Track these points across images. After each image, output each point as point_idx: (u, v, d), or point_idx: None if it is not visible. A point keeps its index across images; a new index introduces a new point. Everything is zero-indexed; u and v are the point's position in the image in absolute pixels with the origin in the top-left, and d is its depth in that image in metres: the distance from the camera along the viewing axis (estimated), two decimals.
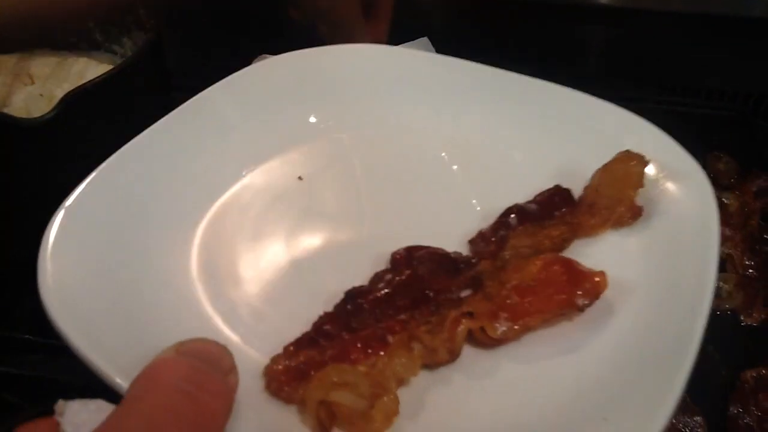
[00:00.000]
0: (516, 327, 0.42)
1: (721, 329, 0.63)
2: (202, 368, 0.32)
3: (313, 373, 0.39)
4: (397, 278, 0.45)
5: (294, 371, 0.39)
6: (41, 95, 0.62)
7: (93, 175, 0.47)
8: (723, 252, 0.69)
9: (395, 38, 0.78)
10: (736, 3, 0.81)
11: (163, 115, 0.52)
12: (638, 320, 0.42)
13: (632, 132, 0.53)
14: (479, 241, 0.49)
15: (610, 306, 0.43)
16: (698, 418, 0.56)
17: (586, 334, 0.42)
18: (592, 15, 0.83)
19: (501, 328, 0.41)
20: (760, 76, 0.84)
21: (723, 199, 0.74)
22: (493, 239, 0.48)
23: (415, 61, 0.61)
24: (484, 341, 0.42)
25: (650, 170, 0.49)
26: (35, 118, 0.53)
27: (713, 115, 0.83)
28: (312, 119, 0.58)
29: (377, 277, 0.45)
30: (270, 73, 0.59)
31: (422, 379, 0.41)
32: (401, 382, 0.40)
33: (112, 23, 0.69)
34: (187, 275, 0.46)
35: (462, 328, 0.41)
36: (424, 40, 0.80)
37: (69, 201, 0.45)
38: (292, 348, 0.41)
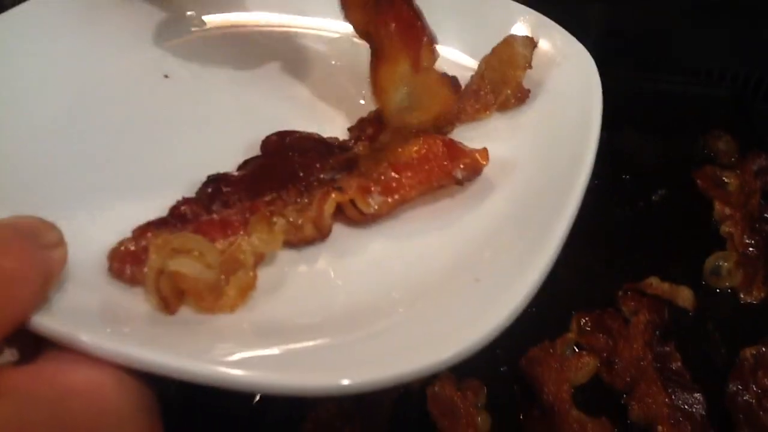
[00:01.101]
0: (390, 200, 0.39)
1: (720, 307, 0.63)
2: (10, 236, 0.30)
3: None
4: (264, 161, 0.42)
5: (141, 252, 0.36)
6: None
7: None
8: (723, 230, 0.69)
9: None
10: None
11: None
12: (516, 194, 0.41)
13: (518, 20, 0.52)
14: (358, 125, 0.46)
15: (491, 183, 0.42)
16: (698, 395, 0.56)
17: (464, 210, 0.41)
18: None
19: (373, 201, 0.39)
20: (759, 58, 0.83)
21: (723, 178, 0.74)
22: (371, 122, 0.46)
23: None
24: (357, 217, 0.40)
25: (536, 54, 0.49)
26: None
27: (713, 96, 0.83)
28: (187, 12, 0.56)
29: (245, 163, 0.42)
30: None
31: (287, 257, 0.38)
32: (260, 257, 0.37)
33: None
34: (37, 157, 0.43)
35: (330, 203, 0.38)
36: None
37: None
38: (140, 230, 0.37)
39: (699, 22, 0.83)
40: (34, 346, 0.30)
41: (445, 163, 0.41)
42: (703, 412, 0.56)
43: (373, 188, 0.40)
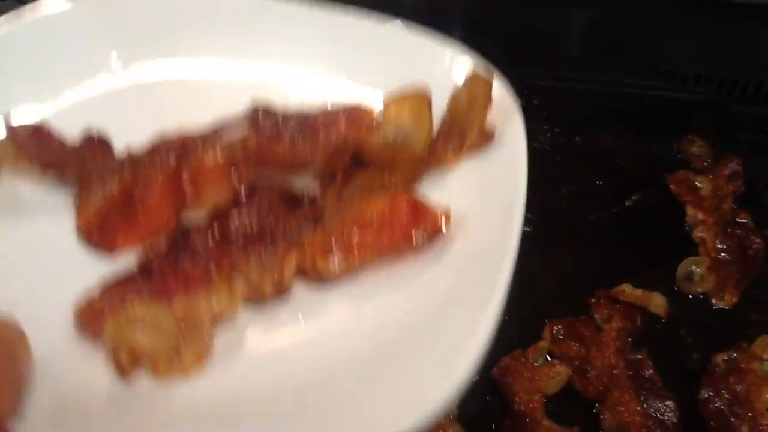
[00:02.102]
0: (349, 261, 0.40)
1: (692, 313, 0.63)
2: None
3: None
4: (234, 213, 0.43)
5: (103, 308, 0.37)
6: None
7: None
8: (696, 235, 0.69)
9: None
10: None
11: None
12: (463, 251, 0.42)
13: (439, 58, 0.53)
14: (328, 173, 0.47)
15: (448, 241, 0.43)
16: (669, 402, 0.56)
17: (420, 271, 0.42)
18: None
19: (333, 262, 0.40)
20: (735, 62, 0.84)
21: (696, 183, 0.74)
22: (338, 175, 0.46)
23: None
24: (316, 276, 0.41)
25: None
26: None
27: (688, 99, 0.83)
28: (114, 58, 0.54)
29: (214, 213, 0.43)
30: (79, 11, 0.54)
31: (248, 316, 0.39)
32: (218, 318, 0.38)
33: None
34: None
35: (291, 261, 0.39)
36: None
37: None
38: (105, 285, 0.39)
39: (674, 26, 0.83)
40: None
41: (407, 226, 0.42)
42: (675, 420, 0.56)
43: (334, 248, 0.40)
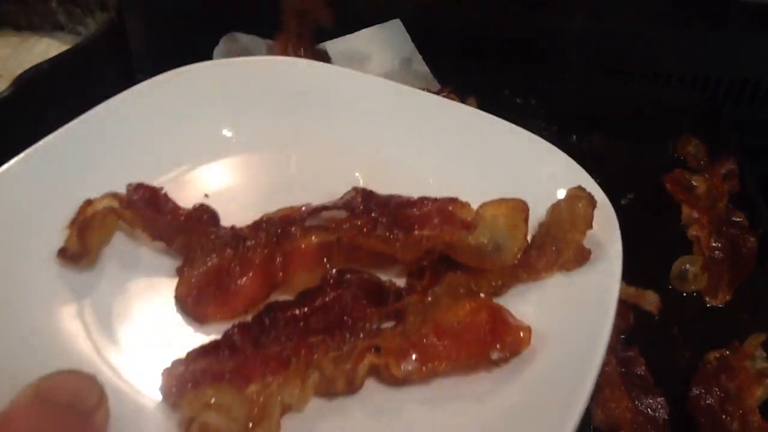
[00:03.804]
0: (423, 369, 0.40)
1: (685, 311, 0.64)
2: (58, 416, 0.31)
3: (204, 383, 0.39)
4: (320, 299, 0.44)
5: (188, 378, 0.39)
6: (1, 75, 0.61)
7: None
8: (691, 234, 0.70)
9: (368, 19, 0.77)
10: None
11: None
12: (540, 370, 0.41)
13: (548, 162, 0.51)
14: (418, 271, 0.47)
15: (526, 357, 0.42)
16: (661, 400, 0.57)
17: (495, 383, 0.41)
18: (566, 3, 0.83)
19: (407, 367, 0.40)
20: (730, 63, 0.84)
21: (692, 182, 0.75)
22: (430, 269, 0.46)
23: (338, 78, 0.59)
24: (389, 378, 0.41)
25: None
26: None
27: (683, 100, 0.84)
28: (226, 133, 0.56)
29: (302, 295, 0.44)
30: (186, 82, 0.56)
31: (318, 406, 0.40)
32: (288, 408, 0.39)
33: (76, 3, 0.67)
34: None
35: (365, 362, 0.40)
36: (396, 21, 0.79)
37: None
38: (193, 354, 0.41)
39: (670, 27, 0.84)
40: None
41: (487, 336, 0.41)
42: (666, 417, 0.56)
43: (410, 352, 0.41)
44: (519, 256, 0.45)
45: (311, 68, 0.60)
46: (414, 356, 0.40)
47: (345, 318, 0.43)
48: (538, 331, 0.42)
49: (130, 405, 0.39)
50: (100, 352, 0.41)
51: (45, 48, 0.65)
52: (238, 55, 0.72)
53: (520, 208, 0.46)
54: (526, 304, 0.44)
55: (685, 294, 0.66)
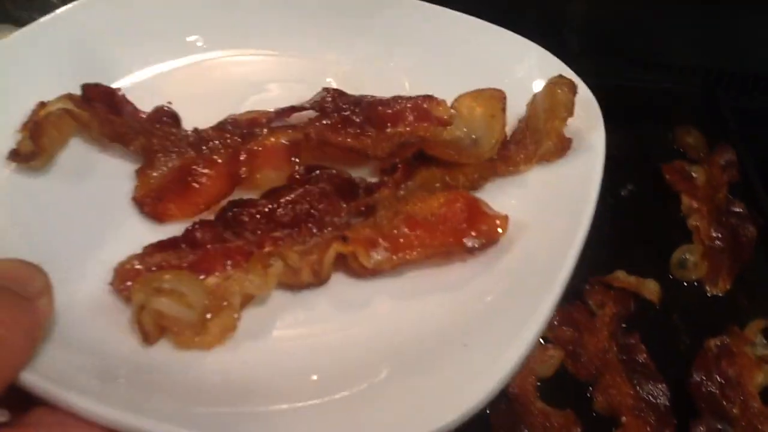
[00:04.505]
0: (394, 258, 0.38)
1: (686, 299, 0.65)
2: None
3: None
4: (288, 195, 0.42)
5: (143, 272, 0.37)
6: None
7: None
8: (690, 224, 0.70)
9: None
10: None
11: None
12: (517, 257, 0.40)
13: (523, 57, 0.50)
14: (390, 167, 0.44)
15: (504, 247, 0.40)
16: (662, 386, 0.57)
17: (472, 273, 0.39)
18: None
19: (376, 256, 0.38)
20: (728, 54, 0.84)
21: (692, 173, 0.75)
22: (399, 166, 0.44)
23: None
24: (357, 269, 0.39)
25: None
26: None
27: (683, 91, 0.84)
28: (190, 38, 0.53)
29: (268, 192, 0.42)
30: None
31: (282, 299, 0.38)
32: (249, 298, 0.37)
33: None
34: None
35: (331, 252, 0.38)
36: None
37: None
38: (150, 248, 0.39)
39: (669, 17, 0.84)
40: (24, 401, 0.30)
41: (462, 225, 0.39)
42: (667, 402, 0.57)
43: (380, 242, 0.39)
44: (497, 148, 0.43)
45: None
46: (384, 245, 0.38)
47: (312, 212, 0.41)
48: (519, 222, 0.40)
49: (79, 297, 0.36)
50: (51, 245, 0.39)
51: None
52: None
53: (497, 96, 0.44)
54: (507, 197, 0.43)
55: (685, 283, 0.66)
